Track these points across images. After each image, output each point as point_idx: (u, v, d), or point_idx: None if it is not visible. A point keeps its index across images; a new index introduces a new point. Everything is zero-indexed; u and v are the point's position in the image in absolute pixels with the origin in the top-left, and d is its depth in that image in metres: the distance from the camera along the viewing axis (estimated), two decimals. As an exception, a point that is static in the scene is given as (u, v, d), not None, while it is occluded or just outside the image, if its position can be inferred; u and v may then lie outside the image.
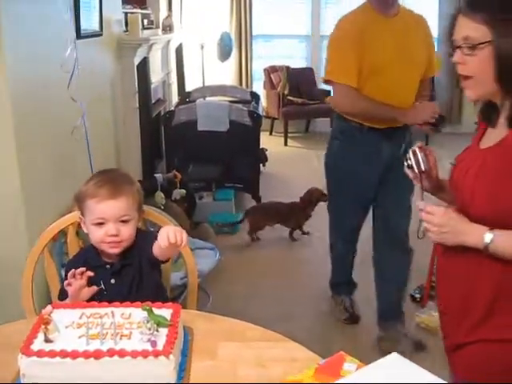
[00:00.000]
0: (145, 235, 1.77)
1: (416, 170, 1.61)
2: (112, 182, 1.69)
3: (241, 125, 4.91)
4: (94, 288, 1.67)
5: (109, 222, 1.66)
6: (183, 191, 4.40)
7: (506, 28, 1.33)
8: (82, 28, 3.32)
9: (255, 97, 6.50)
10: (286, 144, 7.49)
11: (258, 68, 8.04)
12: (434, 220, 1.45)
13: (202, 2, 7.32)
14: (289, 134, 7.55)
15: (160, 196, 4.07)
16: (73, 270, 1.64)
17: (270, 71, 7.81)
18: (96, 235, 1.69)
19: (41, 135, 2.82)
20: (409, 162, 1.63)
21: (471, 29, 1.37)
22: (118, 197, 1.66)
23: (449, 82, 7.84)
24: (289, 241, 4.55)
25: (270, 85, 7.79)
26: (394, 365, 1.11)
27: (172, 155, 5.07)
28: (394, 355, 1.14)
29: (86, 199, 1.68)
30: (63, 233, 2.14)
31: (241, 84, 7.94)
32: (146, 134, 4.85)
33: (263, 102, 7.53)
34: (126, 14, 4.62)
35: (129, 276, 1.73)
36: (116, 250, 1.70)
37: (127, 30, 4.53)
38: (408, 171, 1.65)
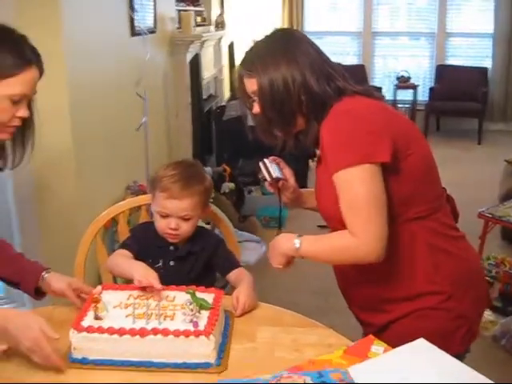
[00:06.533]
0: (216, 240, 1.90)
1: (268, 179, 1.70)
2: (183, 182, 1.75)
3: (290, 120, 4.92)
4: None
5: (171, 217, 1.75)
6: (232, 185, 4.48)
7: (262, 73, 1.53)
8: (136, 25, 3.45)
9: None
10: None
11: (310, 64, 8.03)
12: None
13: (253, -1, 7.40)
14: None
15: (209, 189, 4.14)
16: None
17: (322, 68, 7.79)
18: (158, 224, 1.79)
19: (97, 127, 2.94)
20: (262, 174, 1.70)
21: (252, 84, 1.56)
22: (183, 198, 1.74)
23: (503, 77, 7.69)
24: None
25: (321, 81, 7.76)
26: (420, 350, 1.16)
27: (222, 149, 5.15)
28: (421, 341, 1.18)
29: (156, 189, 1.77)
30: (115, 221, 2.24)
31: (292, 80, 7.95)
32: (197, 128, 4.95)
33: (314, 97, 7.50)
34: (179, 11, 4.74)
35: (189, 264, 1.81)
36: (173, 241, 1.80)
37: (180, 27, 4.65)
38: (266, 184, 1.75)
